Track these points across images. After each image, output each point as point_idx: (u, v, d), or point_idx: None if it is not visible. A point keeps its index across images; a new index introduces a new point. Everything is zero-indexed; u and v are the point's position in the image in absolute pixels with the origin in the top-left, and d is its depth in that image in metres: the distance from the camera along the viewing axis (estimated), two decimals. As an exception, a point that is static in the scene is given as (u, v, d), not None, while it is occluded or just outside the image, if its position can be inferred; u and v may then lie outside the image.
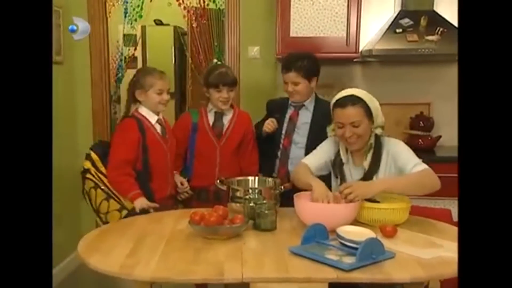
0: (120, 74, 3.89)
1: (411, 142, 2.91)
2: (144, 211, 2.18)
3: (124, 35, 4.10)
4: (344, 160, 2.09)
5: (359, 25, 3.01)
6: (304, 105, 2.49)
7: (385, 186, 1.89)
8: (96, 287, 2.30)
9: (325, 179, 2.09)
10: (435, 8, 3.10)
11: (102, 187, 2.26)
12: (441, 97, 3.28)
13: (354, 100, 1.98)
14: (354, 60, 3.19)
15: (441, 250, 1.59)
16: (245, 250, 1.63)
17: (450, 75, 3.21)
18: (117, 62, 3.94)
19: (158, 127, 2.36)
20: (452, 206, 2.35)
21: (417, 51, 2.94)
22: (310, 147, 2.28)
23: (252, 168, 2.57)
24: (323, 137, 2.19)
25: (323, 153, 2.15)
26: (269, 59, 3.34)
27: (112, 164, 2.26)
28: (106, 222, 2.21)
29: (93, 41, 3.38)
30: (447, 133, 3.15)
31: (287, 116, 2.53)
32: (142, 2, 3.93)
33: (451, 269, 1.44)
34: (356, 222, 1.83)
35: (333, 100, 2.04)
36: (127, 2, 3.89)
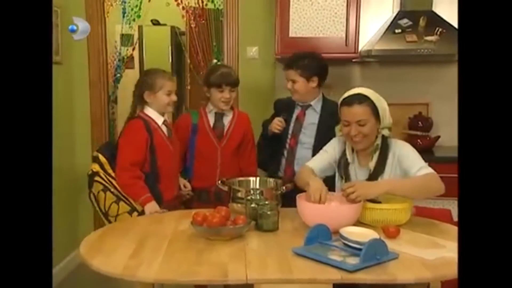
0: (118, 75, 3.87)
1: (409, 142, 2.85)
2: None
3: (122, 35, 4.08)
4: (350, 159, 2.07)
5: (358, 25, 3.01)
6: (311, 105, 2.49)
7: (389, 187, 1.87)
8: (96, 286, 2.30)
9: (330, 180, 2.08)
10: (434, 9, 3.10)
11: (112, 190, 2.23)
12: (440, 97, 3.29)
13: (361, 98, 1.97)
14: (353, 60, 3.19)
15: (444, 251, 1.59)
16: (248, 251, 1.62)
17: (449, 75, 3.22)
18: (115, 62, 3.92)
19: (164, 128, 2.35)
20: (451, 206, 2.36)
21: (416, 51, 2.95)
22: (317, 148, 2.27)
23: (251, 169, 2.57)
24: (331, 137, 2.18)
25: (327, 154, 2.14)
26: (268, 59, 3.34)
27: (120, 165, 2.23)
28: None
29: (91, 41, 3.37)
30: (446, 133, 3.15)
31: (294, 116, 2.53)
32: (140, 2, 3.91)
33: (454, 270, 1.43)
34: (358, 223, 1.82)
35: (341, 99, 2.04)
36: (125, 2, 3.87)
